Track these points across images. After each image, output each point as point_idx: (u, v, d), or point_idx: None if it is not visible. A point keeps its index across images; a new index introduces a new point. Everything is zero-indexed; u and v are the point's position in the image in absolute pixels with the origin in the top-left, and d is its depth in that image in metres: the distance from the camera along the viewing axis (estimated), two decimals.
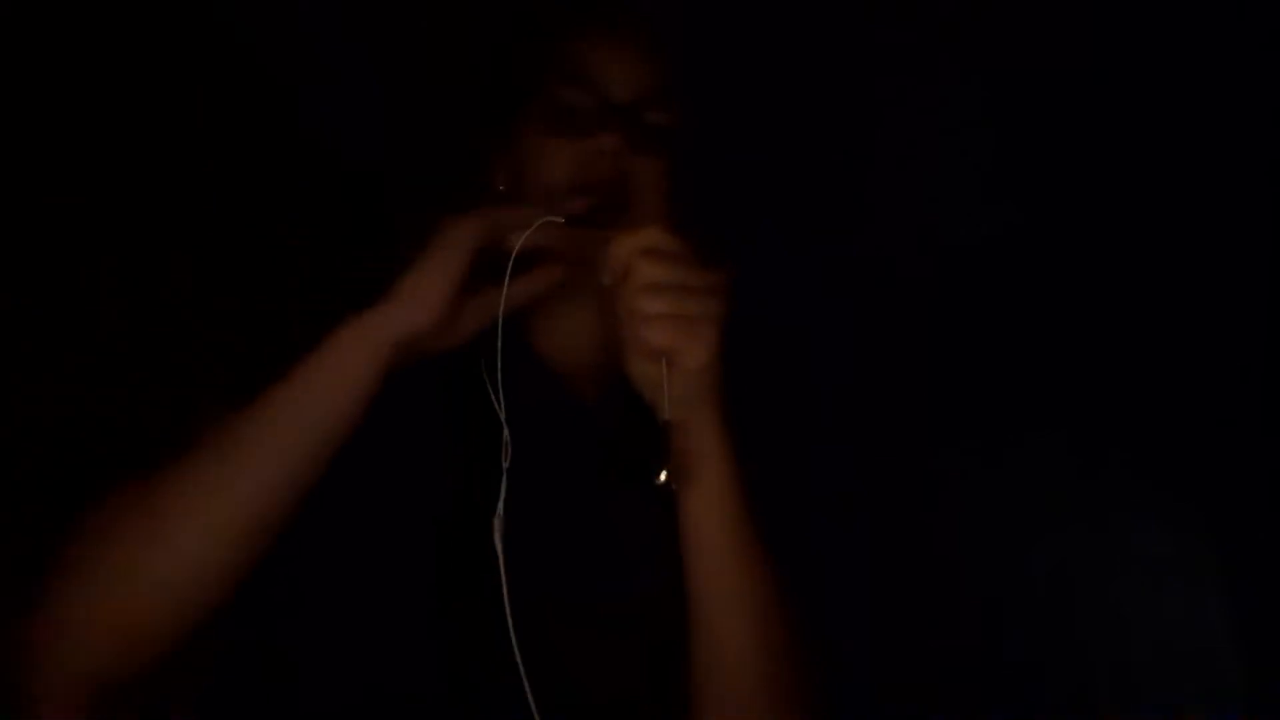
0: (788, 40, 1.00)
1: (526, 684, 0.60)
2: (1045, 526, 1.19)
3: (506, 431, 0.64)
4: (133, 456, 0.63)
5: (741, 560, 0.65)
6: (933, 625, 1.11)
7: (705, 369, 0.60)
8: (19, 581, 0.57)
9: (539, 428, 0.71)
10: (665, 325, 0.59)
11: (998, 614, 1.13)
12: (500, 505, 0.62)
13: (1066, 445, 1.22)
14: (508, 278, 0.65)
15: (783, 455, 0.79)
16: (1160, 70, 0.99)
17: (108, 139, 1.03)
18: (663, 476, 0.60)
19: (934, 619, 1.11)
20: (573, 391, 0.75)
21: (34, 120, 1.01)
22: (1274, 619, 1.12)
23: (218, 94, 1.04)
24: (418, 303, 0.62)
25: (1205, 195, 1.05)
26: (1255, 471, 1.16)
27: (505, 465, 0.63)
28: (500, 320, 0.65)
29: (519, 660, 0.60)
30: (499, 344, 0.65)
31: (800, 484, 0.82)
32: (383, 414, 0.68)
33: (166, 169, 1.05)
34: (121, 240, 1.04)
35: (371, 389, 0.61)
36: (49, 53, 0.99)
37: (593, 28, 0.73)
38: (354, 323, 0.62)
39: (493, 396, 0.65)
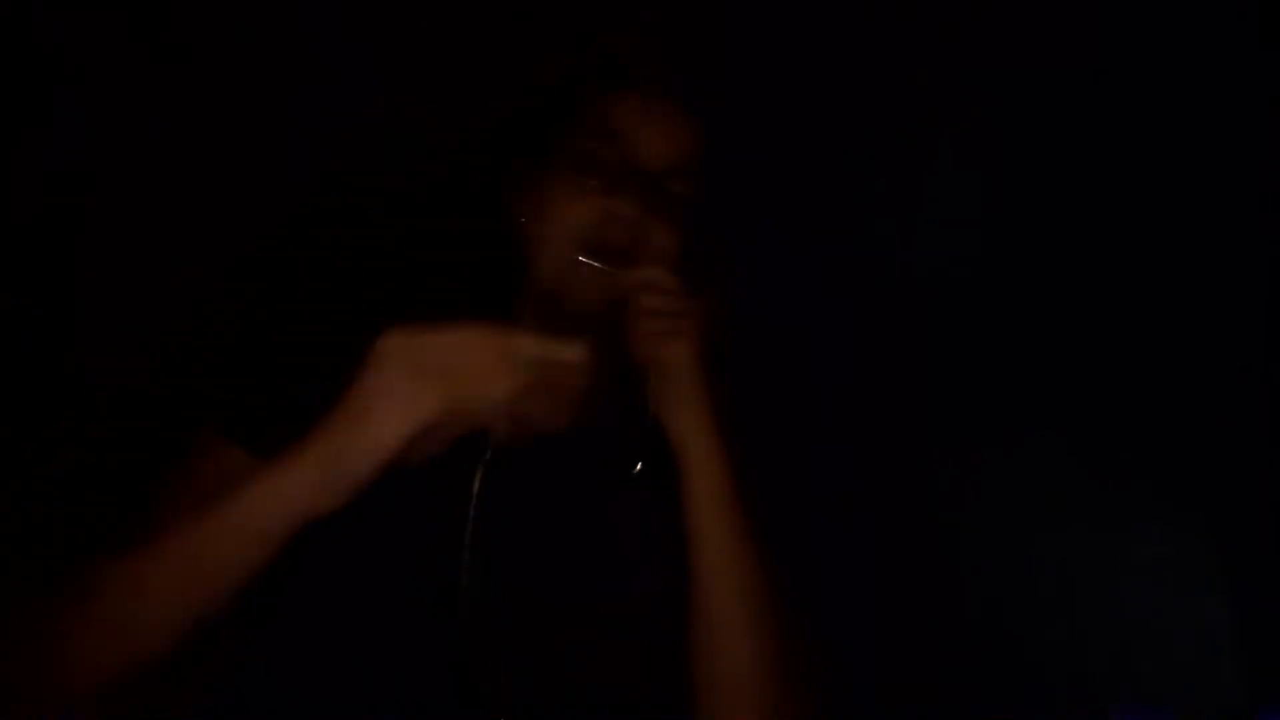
0: (787, 40, 1.00)
1: (480, 679, 0.62)
2: (1045, 526, 1.19)
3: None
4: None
5: (739, 550, 0.68)
6: (933, 625, 1.11)
7: (688, 369, 0.70)
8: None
9: (539, 436, 0.71)
10: (657, 341, 0.69)
11: (998, 614, 1.13)
12: (476, 485, 0.65)
13: (1066, 445, 1.21)
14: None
15: (783, 455, 0.80)
16: (1163, 69, 0.99)
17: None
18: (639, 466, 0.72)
19: (934, 619, 1.11)
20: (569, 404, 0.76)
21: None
22: (1274, 619, 1.12)
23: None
24: (366, 472, 0.58)
25: (1206, 196, 1.05)
26: (1255, 473, 1.16)
27: (486, 456, 0.65)
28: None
29: (471, 656, 0.62)
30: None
31: (800, 484, 0.82)
32: None
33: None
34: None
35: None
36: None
37: (634, 91, 0.74)
38: (299, 473, 0.58)
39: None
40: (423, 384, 0.57)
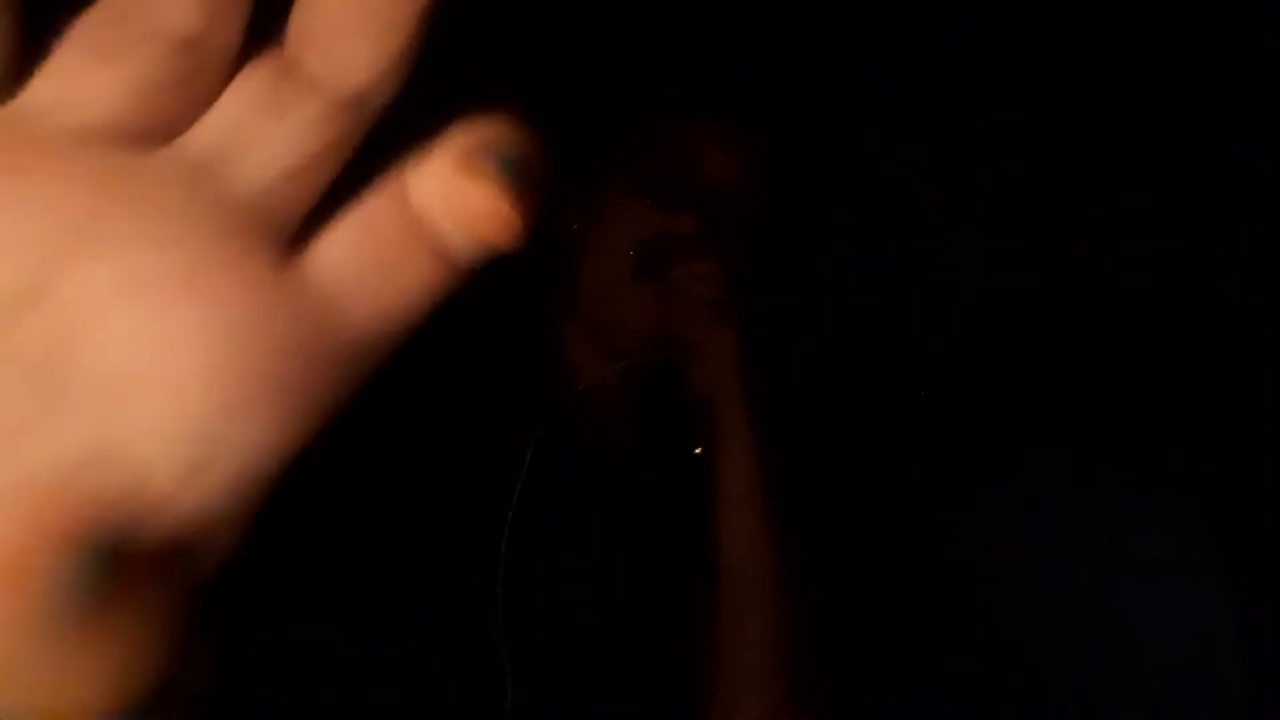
0: (789, 43, 1.00)
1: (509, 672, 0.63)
2: (1045, 526, 1.19)
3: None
4: None
5: (764, 536, 0.69)
6: (932, 625, 1.11)
7: (728, 356, 0.72)
8: None
9: (542, 436, 0.72)
10: (700, 325, 0.72)
11: (998, 614, 1.13)
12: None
13: (1066, 446, 1.22)
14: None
15: (783, 455, 0.80)
16: (1162, 80, 0.99)
17: None
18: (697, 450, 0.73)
19: (933, 619, 1.11)
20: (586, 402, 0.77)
21: None
22: (1274, 619, 1.12)
23: None
24: None
25: (1205, 196, 1.05)
26: (1255, 472, 1.15)
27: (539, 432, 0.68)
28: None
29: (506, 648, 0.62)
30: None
31: (800, 484, 0.83)
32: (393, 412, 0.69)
33: None
34: None
35: None
36: None
37: (704, 115, 0.77)
38: None
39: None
40: None
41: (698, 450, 0.74)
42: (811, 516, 0.83)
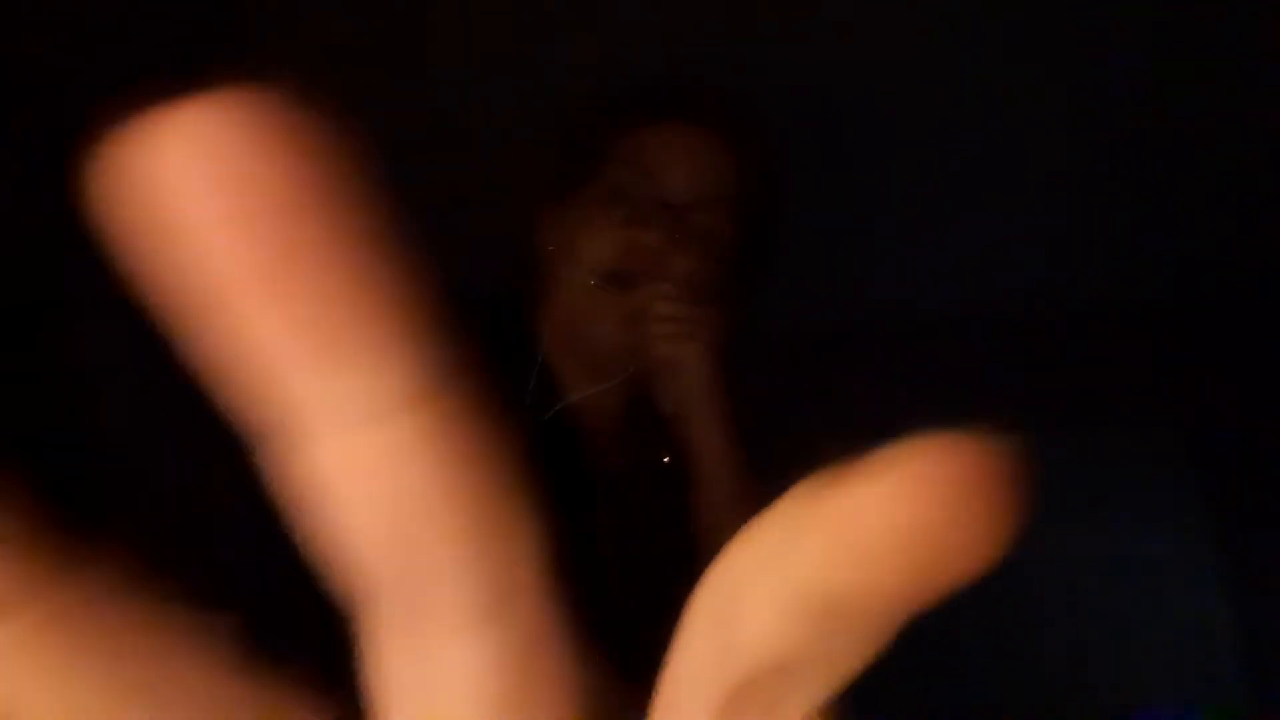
0: (795, 67, 1.01)
1: None
2: (1045, 526, 1.19)
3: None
4: None
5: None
6: (931, 627, 1.11)
7: (698, 371, 0.71)
8: None
9: (547, 440, 0.72)
10: (668, 342, 0.71)
11: (998, 615, 1.13)
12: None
13: (1067, 445, 1.22)
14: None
15: (781, 455, 0.80)
16: (1162, 80, 1.00)
17: None
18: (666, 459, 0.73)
19: (933, 621, 1.11)
20: (582, 414, 0.77)
21: None
22: (1274, 619, 1.12)
23: None
24: None
25: (1206, 196, 1.05)
26: (1255, 472, 1.16)
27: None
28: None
29: None
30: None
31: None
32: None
33: None
34: None
35: None
36: None
37: (666, 123, 0.75)
38: None
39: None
40: None
41: (665, 459, 0.73)
42: None
